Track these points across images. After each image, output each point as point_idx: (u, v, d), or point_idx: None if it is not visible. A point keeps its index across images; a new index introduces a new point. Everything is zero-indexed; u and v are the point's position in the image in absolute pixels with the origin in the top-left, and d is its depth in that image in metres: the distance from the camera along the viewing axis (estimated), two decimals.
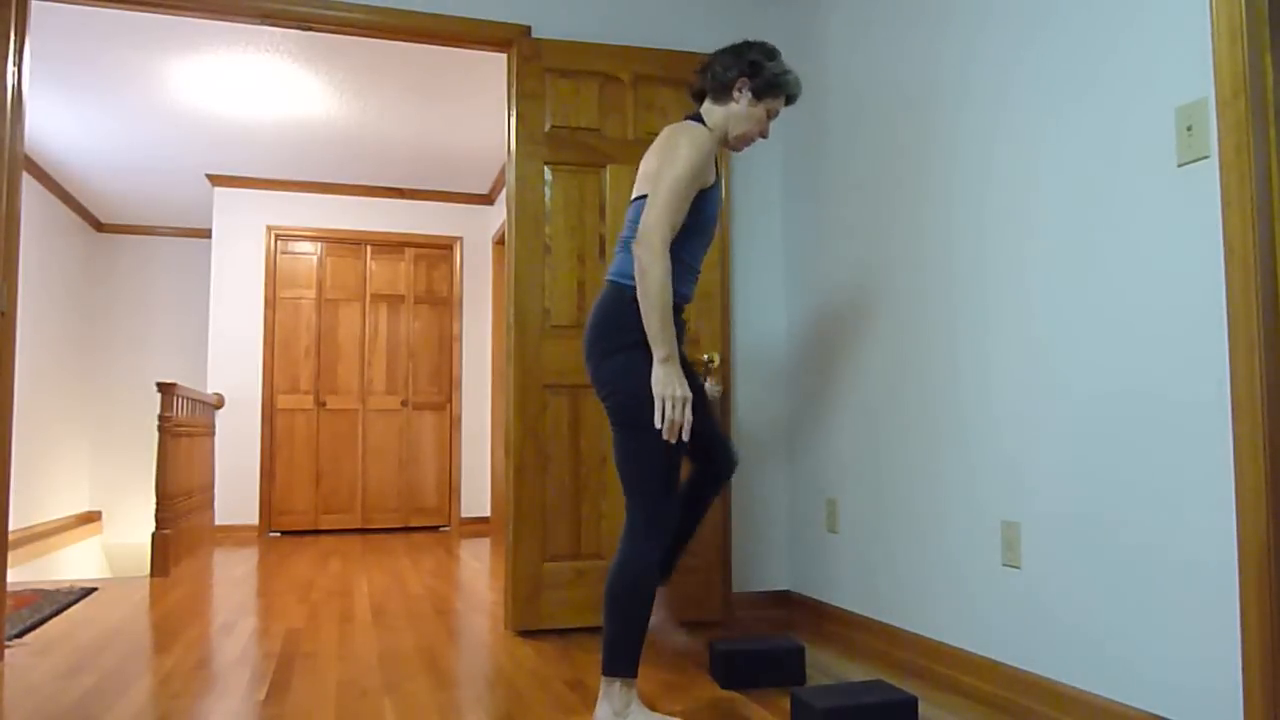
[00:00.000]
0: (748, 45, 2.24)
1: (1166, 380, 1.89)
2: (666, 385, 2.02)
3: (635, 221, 2.17)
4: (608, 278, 2.20)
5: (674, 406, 2.01)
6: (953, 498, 2.56)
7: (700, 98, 2.30)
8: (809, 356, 3.40)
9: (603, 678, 2.09)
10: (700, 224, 2.17)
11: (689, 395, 2.03)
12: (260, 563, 5.06)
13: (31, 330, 6.42)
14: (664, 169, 2.08)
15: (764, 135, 2.29)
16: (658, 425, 2.02)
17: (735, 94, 2.21)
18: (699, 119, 2.25)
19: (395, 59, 4.54)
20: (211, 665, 2.74)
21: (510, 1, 3.34)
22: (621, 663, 2.06)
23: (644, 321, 2.04)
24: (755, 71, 2.20)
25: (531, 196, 3.22)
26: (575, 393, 3.20)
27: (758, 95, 2.22)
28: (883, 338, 2.92)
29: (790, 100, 2.28)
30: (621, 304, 2.12)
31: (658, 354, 2.03)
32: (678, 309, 2.19)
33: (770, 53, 2.23)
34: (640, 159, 3.28)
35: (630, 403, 2.08)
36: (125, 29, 4.18)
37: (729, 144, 2.27)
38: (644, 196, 2.15)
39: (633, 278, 2.10)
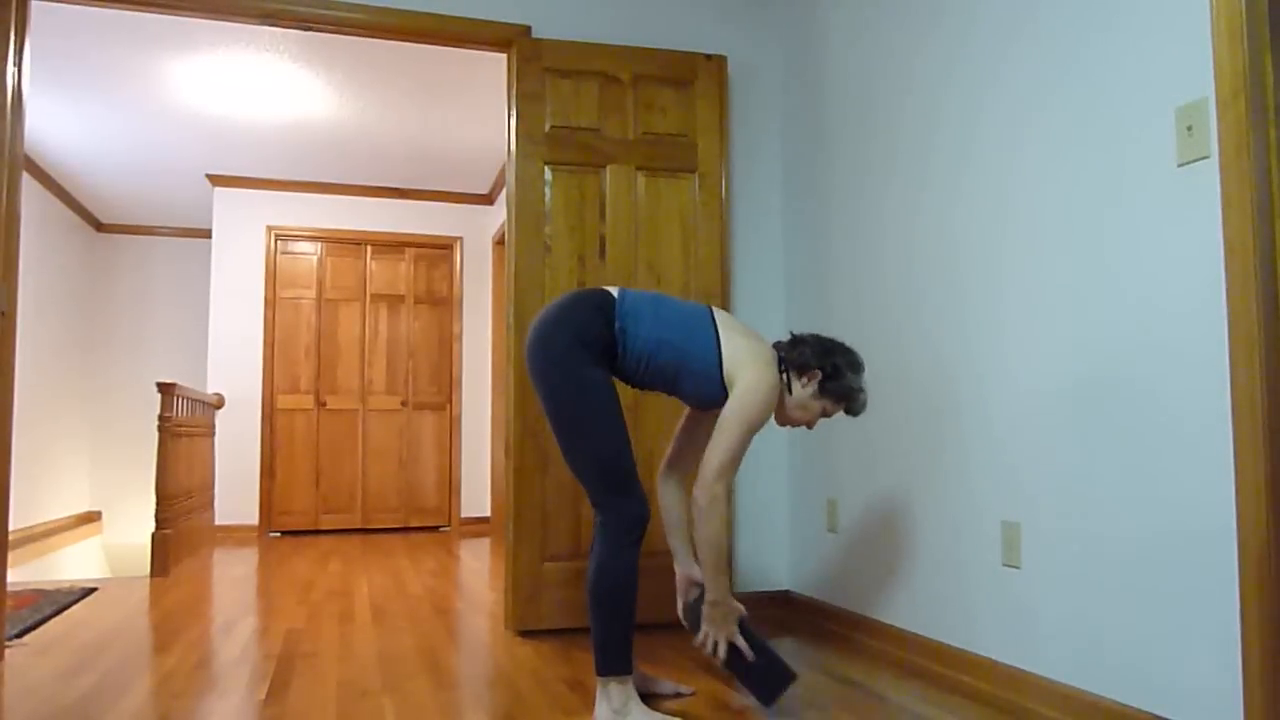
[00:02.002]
0: (840, 348, 2.27)
1: (1167, 380, 1.89)
2: (718, 626, 2.21)
3: (676, 324, 2.21)
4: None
5: (719, 641, 2.21)
6: (953, 498, 2.56)
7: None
8: None
9: (598, 679, 2.12)
10: (644, 365, 2.21)
11: (734, 633, 2.22)
12: (260, 563, 5.06)
13: (31, 330, 6.42)
14: (735, 414, 2.12)
15: (809, 427, 2.34)
16: (698, 644, 2.24)
17: (804, 380, 2.25)
18: (787, 359, 2.27)
19: (395, 59, 4.54)
20: (211, 665, 2.74)
21: (510, 1, 3.34)
22: (613, 662, 2.10)
23: (701, 563, 2.17)
24: (832, 374, 2.24)
25: (531, 196, 3.22)
26: None
27: (822, 392, 2.25)
28: (883, 336, 2.92)
29: (850, 413, 2.31)
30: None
31: (710, 596, 2.19)
32: (635, 381, 2.26)
33: (855, 365, 2.27)
34: (640, 158, 3.29)
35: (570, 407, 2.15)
36: (125, 29, 4.18)
37: (777, 416, 2.30)
38: (701, 329, 2.20)
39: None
